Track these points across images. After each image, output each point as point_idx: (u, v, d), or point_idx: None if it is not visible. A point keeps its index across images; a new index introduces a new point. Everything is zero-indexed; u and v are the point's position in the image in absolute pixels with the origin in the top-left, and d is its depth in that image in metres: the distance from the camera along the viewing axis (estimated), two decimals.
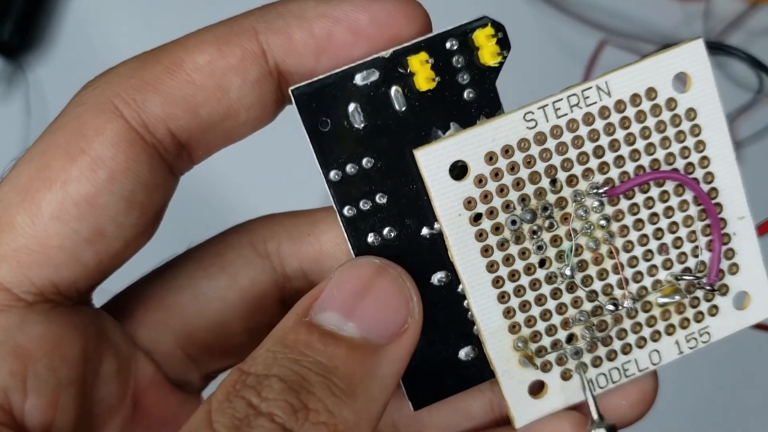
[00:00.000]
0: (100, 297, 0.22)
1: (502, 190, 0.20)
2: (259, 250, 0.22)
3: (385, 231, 0.20)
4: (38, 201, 0.19)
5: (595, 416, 0.21)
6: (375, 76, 0.20)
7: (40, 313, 0.19)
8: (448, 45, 0.20)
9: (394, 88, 0.20)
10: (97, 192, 0.19)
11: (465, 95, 0.20)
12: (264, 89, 0.19)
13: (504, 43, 0.20)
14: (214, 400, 0.17)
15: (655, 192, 0.21)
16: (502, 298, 0.20)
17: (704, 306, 0.22)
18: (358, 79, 0.20)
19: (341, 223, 0.20)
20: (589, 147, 0.20)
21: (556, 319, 0.21)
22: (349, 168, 0.20)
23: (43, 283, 0.19)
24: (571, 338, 0.21)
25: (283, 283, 0.23)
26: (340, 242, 0.22)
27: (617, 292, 0.21)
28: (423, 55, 0.20)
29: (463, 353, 0.21)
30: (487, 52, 0.20)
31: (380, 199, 0.20)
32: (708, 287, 0.21)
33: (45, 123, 0.20)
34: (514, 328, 0.21)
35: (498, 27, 0.20)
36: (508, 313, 0.21)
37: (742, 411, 0.43)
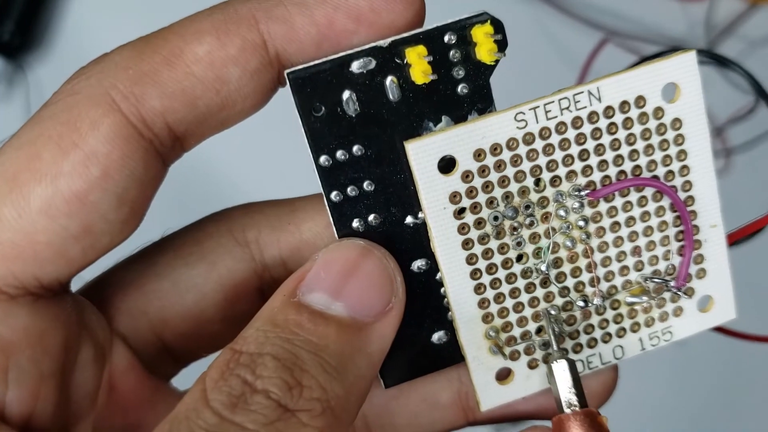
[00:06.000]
0: (76, 282, 0.21)
1: (487, 187, 0.20)
2: (238, 238, 0.22)
3: (371, 217, 0.21)
4: (26, 194, 0.18)
5: (555, 347, 0.21)
6: (372, 64, 0.20)
7: (22, 305, 0.19)
8: (446, 38, 0.20)
9: (389, 78, 0.20)
10: (88, 189, 0.18)
11: (459, 89, 0.20)
12: (262, 78, 0.19)
13: (502, 45, 0.20)
14: (208, 378, 0.18)
15: (634, 197, 0.21)
16: (479, 289, 0.21)
17: (670, 307, 0.23)
18: (355, 67, 0.20)
19: (328, 208, 0.21)
20: (575, 150, 0.21)
21: (528, 312, 0.22)
22: (340, 154, 0.20)
23: (26, 277, 0.19)
24: (540, 330, 0.22)
25: (261, 272, 0.23)
26: (320, 231, 0.22)
27: (588, 290, 0.22)
28: (421, 50, 0.20)
29: (436, 337, 0.22)
30: (484, 50, 0.20)
31: (368, 186, 0.21)
32: (675, 290, 0.22)
33: None
34: (487, 318, 0.21)
35: (497, 24, 0.20)
36: (483, 303, 0.21)
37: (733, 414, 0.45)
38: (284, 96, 0.20)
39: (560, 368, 0.21)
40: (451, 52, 0.20)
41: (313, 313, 0.19)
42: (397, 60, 0.20)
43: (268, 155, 0.41)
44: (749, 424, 0.44)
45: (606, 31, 0.42)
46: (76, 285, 0.22)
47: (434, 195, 0.20)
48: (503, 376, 0.22)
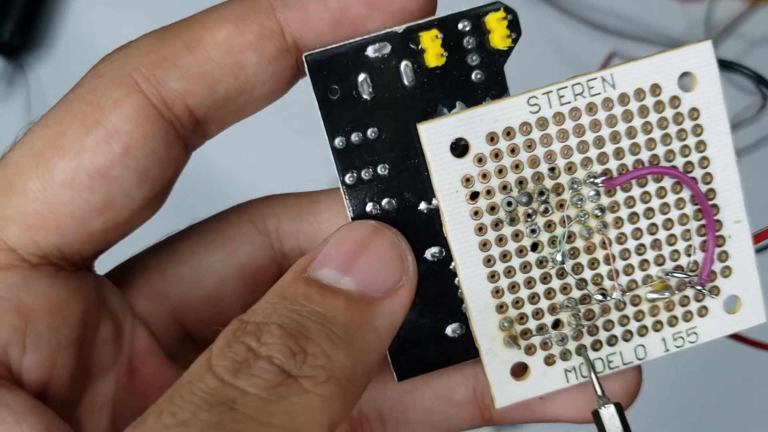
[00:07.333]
0: (102, 267, 0.22)
1: (500, 171, 0.20)
2: (258, 227, 0.23)
3: (384, 202, 0.21)
4: (51, 167, 0.19)
5: (599, 392, 0.21)
6: (387, 49, 0.20)
7: (44, 274, 0.20)
8: (460, 26, 0.20)
9: (404, 63, 0.20)
10: (110, 164, 0.19)
11: (473, 76, 0.21)
12: (280, 65, 0.20)
13: (514, 26, 0.20)
14: (215, 347, 0.18)
15: (652, 187, 0.21)
16: (492, 277, 0.21)
17: (694, 306, 0.22)
18: (370, 51, 0.20)
19: (342, 190, 0.21)
20: (589, 136, 0.21)
21: (544, 304, 0.21)
22: (354, 137, 0.21)
23: (49, 247, 0.20)
24: (557, 324, 0.21)
25: (280, 260, 0.23)
26: (338, 222, 0.22)
27: (607, 283, 0.21)
28: (434, 31, 0.20)
29: (450, 329, 0.22)
30: (498, 36, 0.20)
31: (382, 170, 0.21)
32: (698, 287, 0.21)
33: None
34: (501, 308, 0.21)
35: (510, 12, 0.20)
36: (497, 292, 0.21)
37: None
38: (305, 96, 0.21)
39: (608, 413, 0.20)
40: (465, 39, 0.20)
41: (322, 286, 0.19)
42: (411, 45, 0.20)
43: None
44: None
45: (604, 31, 0.42)
46: (101, 271, 0.22)
47: (446, 178, 0.20)
48: (519, 372, 0.22)
